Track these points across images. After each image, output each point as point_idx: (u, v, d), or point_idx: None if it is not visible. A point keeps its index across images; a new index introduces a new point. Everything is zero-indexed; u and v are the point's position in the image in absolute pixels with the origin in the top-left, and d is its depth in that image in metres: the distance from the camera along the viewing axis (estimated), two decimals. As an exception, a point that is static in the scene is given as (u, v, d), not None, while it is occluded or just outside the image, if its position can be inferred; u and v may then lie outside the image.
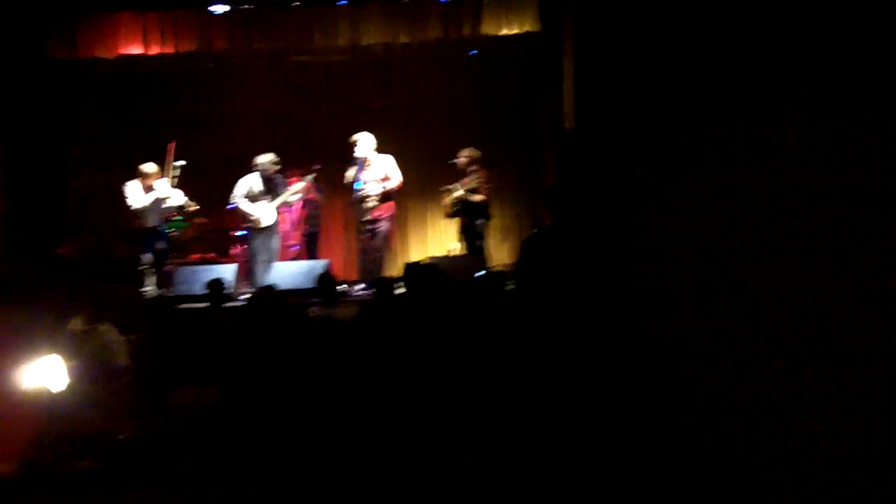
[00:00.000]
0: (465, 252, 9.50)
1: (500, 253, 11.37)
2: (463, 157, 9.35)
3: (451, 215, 9.51)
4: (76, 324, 5.68)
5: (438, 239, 11.33)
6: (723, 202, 2.53)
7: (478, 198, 9.34)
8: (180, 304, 7.88)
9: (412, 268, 5.96)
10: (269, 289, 6.57)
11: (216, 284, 7.15)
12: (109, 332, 5.79)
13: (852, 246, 2.14)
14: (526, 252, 4.75)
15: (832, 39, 2.31)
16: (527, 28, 9.68)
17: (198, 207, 9.89)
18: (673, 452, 2.79)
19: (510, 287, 6.67)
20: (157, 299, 8.53)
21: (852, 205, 2.15)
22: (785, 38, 2.46)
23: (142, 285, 9.20)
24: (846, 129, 2.19)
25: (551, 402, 3.48)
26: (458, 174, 9.37)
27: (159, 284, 9.37)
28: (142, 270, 9.40)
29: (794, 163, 2.37)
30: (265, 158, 9.46)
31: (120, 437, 4.84)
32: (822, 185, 2.24)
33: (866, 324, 2.11)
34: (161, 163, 9.58)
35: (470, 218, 9.50)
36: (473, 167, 9.36)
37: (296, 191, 9.55)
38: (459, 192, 9.34)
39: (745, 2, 2.86)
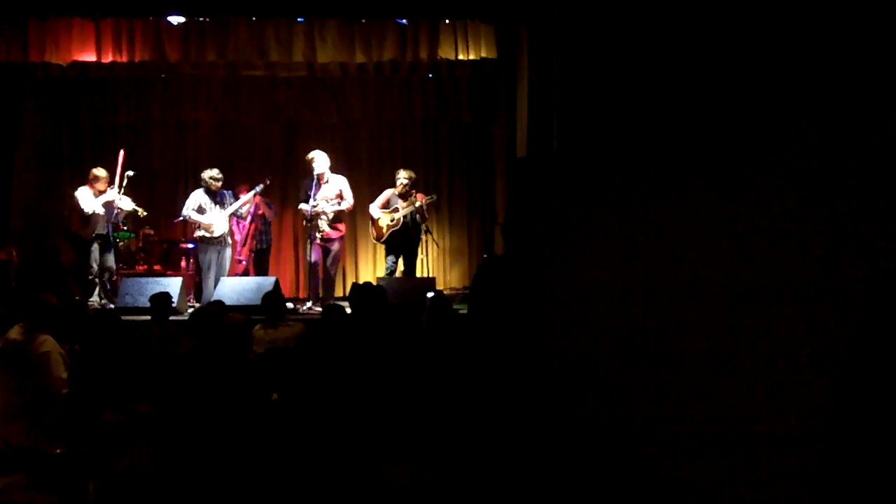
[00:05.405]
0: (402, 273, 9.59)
1: (450, 276, 11.43)
2: (407, 179, 9.46)
3: (387, 237, 9.54)
4: (15, 332, 5.55)
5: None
6: (658, 254, 2.54)
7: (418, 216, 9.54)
8: (124, 315, 7.77)
9: (358, 288, 5.97)
10: (217, 304, 6.52)
11: (161, 298, 7.07)
12: (49, 343, 5.67)
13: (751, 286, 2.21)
14: (480, 277, 4.80)
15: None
16: (483, 54, 9.76)
17: (146, 213, 9.84)
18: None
19: (460, 310, 6.73)
20: (100, 310, 8.39)
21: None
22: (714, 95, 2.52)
23: (87, 295, 9.08)
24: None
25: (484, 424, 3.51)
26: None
27: (104, 295, 9.25)
28: (89, 279, 9.28)
29: (743, 207, 2.40)
30: (208, 174, 9.49)
31: (56, 452, 4.76)
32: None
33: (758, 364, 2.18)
34: (110, 170, 9.50)
35: (412, 237, 9.57)
36: (411, 188, 9.55)
37: (245, 201, 9.54)
38: (406, 211, 9.42)
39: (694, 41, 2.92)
